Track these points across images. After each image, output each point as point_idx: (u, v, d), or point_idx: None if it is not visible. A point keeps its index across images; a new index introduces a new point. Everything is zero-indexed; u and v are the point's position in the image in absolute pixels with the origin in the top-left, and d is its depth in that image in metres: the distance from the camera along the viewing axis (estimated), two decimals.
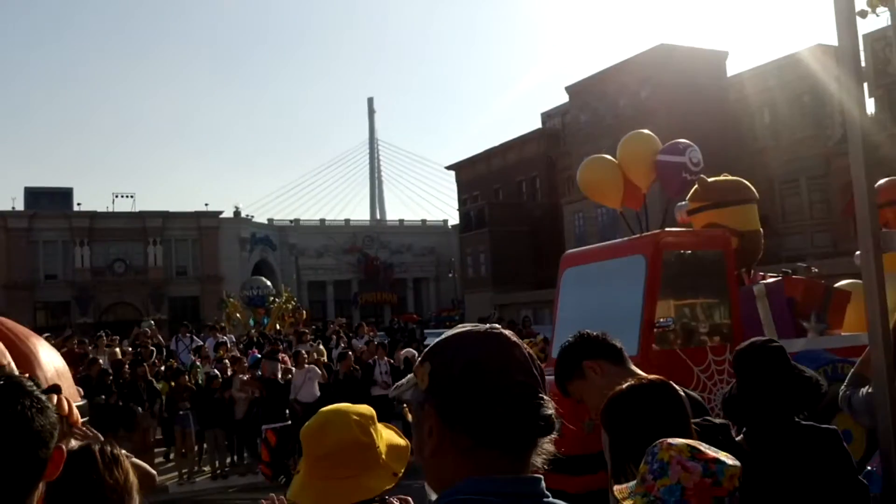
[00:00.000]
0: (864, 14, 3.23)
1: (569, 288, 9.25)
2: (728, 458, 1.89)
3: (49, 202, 50.31)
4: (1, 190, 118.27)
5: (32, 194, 51.14)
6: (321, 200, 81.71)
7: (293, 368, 13.99)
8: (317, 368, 13.98)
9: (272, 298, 26.68)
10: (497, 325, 1.37)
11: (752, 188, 9.58)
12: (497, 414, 1.26)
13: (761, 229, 9.55)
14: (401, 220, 69.35)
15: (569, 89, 49.12)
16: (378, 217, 76.36)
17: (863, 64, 3.33)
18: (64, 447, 1.48)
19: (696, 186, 9.33)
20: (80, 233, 48.85)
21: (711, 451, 1.89)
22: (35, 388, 1.45)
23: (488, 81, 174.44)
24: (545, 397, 1.30)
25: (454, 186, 61.36)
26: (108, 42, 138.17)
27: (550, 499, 1.31)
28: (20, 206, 49.92)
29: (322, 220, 64.49)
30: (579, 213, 45.17)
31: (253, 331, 22.52)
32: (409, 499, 2.43)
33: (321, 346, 16.99)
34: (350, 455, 2.19)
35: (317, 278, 59.90)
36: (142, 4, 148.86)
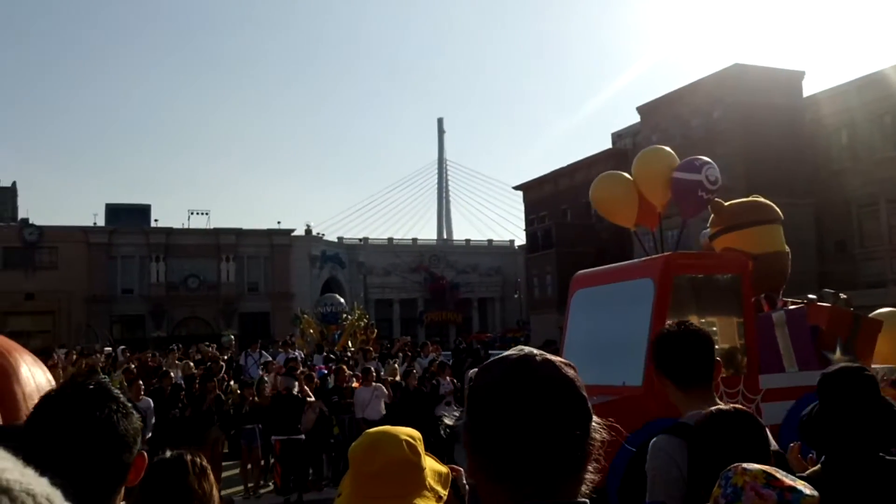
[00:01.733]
0: None
1: (578, 310, 8.93)
2: (805, 488, 1.82)
3: (128, 218, 52.01)
4: (84, 206, 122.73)
5: (113, 211, 52.98)
6: (390, 219, 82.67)
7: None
8: (383, 387, 14.05)
9: (345, 315, 27.00)
10: (533, 350, 1.32)
11: (774, 208, 9.06)
12: (514, 447, 1.22)
13: (787, 251, 9.01)
14: (467, 240, 69.47)
15: (640, 109, 48.67)
16: (445, 236, 76.64)
17: None
18: (146, 454, 1.54)
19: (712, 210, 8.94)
20: (156, 248, 50.29)
21: (788, 479, 1.84)
22: (121, 394, 1.51)
23: (558, 101, 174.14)
24: (574, 430, 1.24)
25: (521, 206, 61.23)
26: (189, 65, 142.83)
27: None
28: (101, 222, 51.74)
29: (390, 239, 65.06)
30: (647, 234, 44.55)
31: (324, 347, 22.81)
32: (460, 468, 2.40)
33: (395, 366, 17.09)
34: (400, 474, 2.17)
35: (383, 296, 60.37)
36: (227, 29, 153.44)
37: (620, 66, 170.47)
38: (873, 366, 6.60)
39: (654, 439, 2.73)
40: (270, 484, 13.83)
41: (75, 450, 1.42)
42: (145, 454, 1.53)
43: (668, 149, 9.44)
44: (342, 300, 30.25)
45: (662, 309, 7.42)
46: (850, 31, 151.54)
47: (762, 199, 9.27)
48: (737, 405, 2.46)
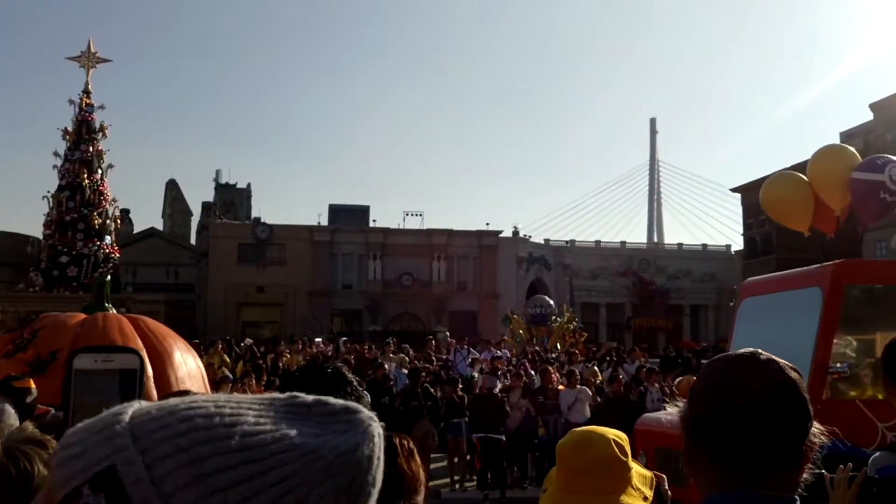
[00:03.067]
0: None
1: (745, 319, 8.49)
2: None
3: (348, 218, 55.04)
4: (309, 206, 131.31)
5: (335, 211, 56.32)
6: (598, 222, 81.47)
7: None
8: (588, 390, 13.99)
9: (554, 317, 27.08)
10: (759, 350, 1.39)
11: None
12: (729, 431, 1.29)
13: None
14: (679, 244, 67.13)
15: (873, 106, 44.85)
16: (655, 240, 74.54)
17: None
18: None
19: None
20: (374, 247, 52.86)
21: None
22: (354, 378, 1.68)
23: (779, 98, 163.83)
24: (793, 427, 1.30)
25: (739, 209, 58.26)
26: (401, 76, 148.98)
27: None
28: (324, 222, 55.20)
29: (597, 242, 64.23)
30: (881, 241, 40.87)
31: (527, 347, 23.03)
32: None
33: (595, 368, 16.95)
34: (608, 471, 2.22)
35: (590, 300, 59.72)
36: (444, 29, 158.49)
37: (852, 58, 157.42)
38: None
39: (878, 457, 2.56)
40: (475, 478, 14.18)
41: None
42: None
43: (849, 147, 8.80)
44: (552, 302, 30.32)
45: (831, 320, 6.93)
46: None
47: None
48: None
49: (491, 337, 29.31)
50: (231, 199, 63.74)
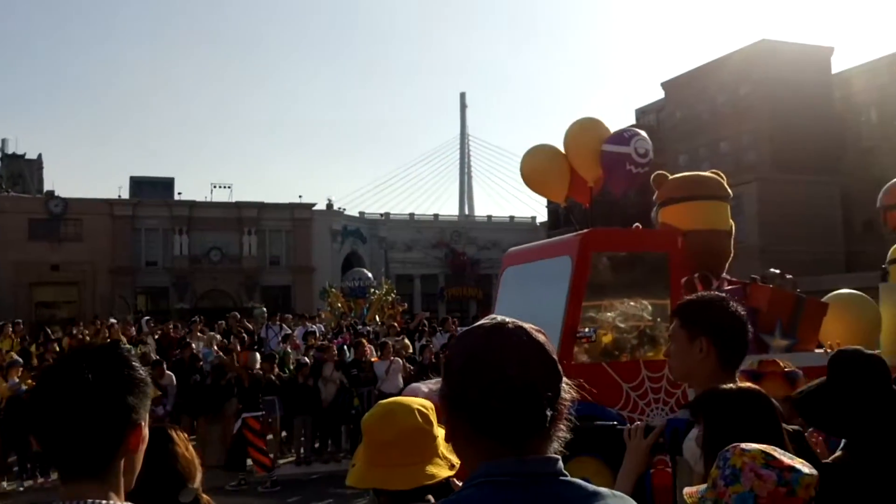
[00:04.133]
0: None
1: (506, 288, 8.61)
2: (804, 466, 1.80)
3: (152, 191, 52.39)
4: (109, 179, 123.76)
5: (137, 183, 53.39)
6: (412, 195, 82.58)
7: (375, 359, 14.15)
8: (399, 360, 14.12)
9: (372, 290, 27.13)
10: (506, 318, 1.42)
11: (719, 183, 8.36)
12: (491, 407, 1.32)
13: (727, 229, 8.35)
14: (489, 217, 69.35)
15: (665, 85, 48.20)
16: (466, 213, 76.52)
17: None
18: (144, 424, 1.52)
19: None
20: (179, 221, 50.63)
21: (787, 459, 1.80)
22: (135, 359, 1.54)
23: (581, 76, 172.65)
24: (548, 392, 1.34)
25: None
26: (208, 38, 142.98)
27: (568, 478, 1.36)
28: (125, 195, 52.18)
29: (411, 215, 65.06)
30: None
31: (342, 322, 22.93)
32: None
33: (406, 340, 17.12)
34: (414, 442, 2.21)
35: (405, 272, 60.49)
36: (237, 2, 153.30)
37: (646, 40, 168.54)
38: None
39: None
40: (291, 454, 13.99)
41: (71, 411, 1.41)
42: (144, 424, 1.51)
43: (599, 119, 8.91)
44: (370, 275, 30.36)
45: (579, 286, 7.09)
46: (882, 6, 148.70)
47: (709, 174, 8.67)
48: (746, 384, 2.41)
49: (306, 312, 29.01)
50: (19, 171, 59.03)
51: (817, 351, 7.24)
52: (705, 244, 7.97)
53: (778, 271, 9.42)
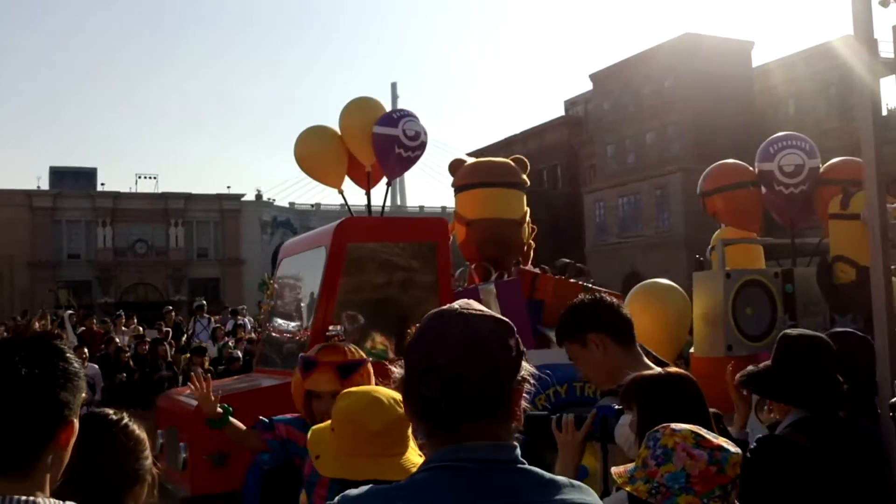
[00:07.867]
0: (885, 3, 3.13)
1: (281, 283, 8.26)
2: (730, 446, 1.88)
3: (73, 182, 50.80)
4: (27, 169, 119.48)
5: (57, 174, 51.69)
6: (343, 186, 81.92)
7: None
8: None
9: None
10: (455, 306, 1.44)
11: (513, 171, 8.07)
12: (421, 394, 1.36)
13: (517, 219, 8.02)
14: (421, 207, 69.43)
15: (593, 77, 48.86)
16: (399, 203, 76.44)
17: (893, 54, 3.23)
18: (76, 420, 1.50)
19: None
20: (103, 213, 49.27)
21: (714, 439, 1.89)
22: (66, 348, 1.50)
23: (512, 68, 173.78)
24: (485, 381, 1.34)
25: None
26: (132, 26, 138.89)
27: (526, 465, 1.38)
28: (45, 186, 50.45)
29: (342, 205, 64.63)
30: (600, 202, 44.93)
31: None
32: None
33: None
34: (401, 432, 2.24)
35: None
36: None
37: (575, 33, 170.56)
38: None
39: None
40: None
41: (1, 406, 1.38)
42: (75, 420, 1.48)
43: (376, 99, 8.35)
44: None
45: (333, 279, 6.48)
46: (799, 2, 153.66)
47: (504, 160, 8.33)
48: (672, 368, 2.50)
49: (236, 305, 28.55)
50: None
51: None
52: (490, 233, 7.66)
53: (571, 261, 9.04)
